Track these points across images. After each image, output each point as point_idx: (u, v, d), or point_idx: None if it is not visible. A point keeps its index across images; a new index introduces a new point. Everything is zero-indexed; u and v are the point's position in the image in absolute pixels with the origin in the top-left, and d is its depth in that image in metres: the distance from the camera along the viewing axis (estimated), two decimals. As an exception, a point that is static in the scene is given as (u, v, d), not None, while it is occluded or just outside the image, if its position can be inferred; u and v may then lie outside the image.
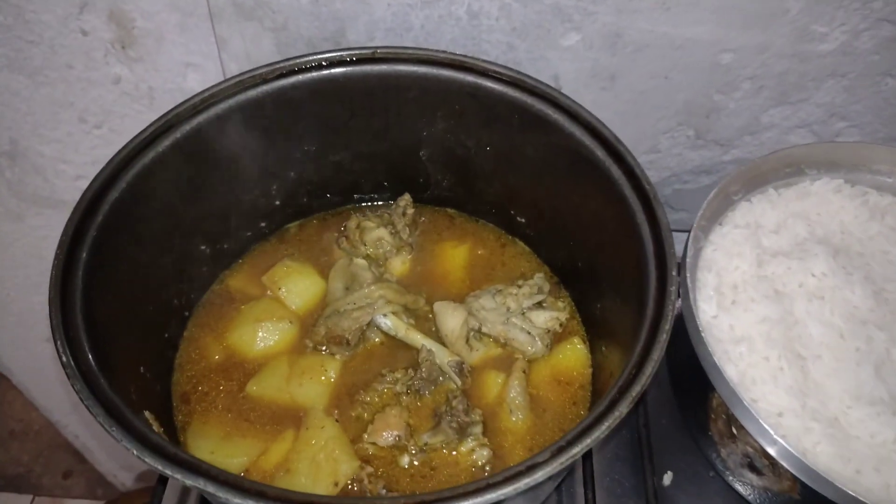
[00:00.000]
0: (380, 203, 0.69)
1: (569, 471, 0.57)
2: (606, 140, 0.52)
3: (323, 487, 0.51)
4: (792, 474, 0.48)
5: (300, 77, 0.56)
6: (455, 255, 0.65)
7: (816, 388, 0.52)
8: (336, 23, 0.73)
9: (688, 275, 0.54)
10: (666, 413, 0.66)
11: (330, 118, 0.59)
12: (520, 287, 0.60)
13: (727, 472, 0.57)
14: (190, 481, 0.36)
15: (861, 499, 0.45)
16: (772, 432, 0.47)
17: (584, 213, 0.56)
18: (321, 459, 0.52)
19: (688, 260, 0.55)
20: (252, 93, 0.55)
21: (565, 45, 0.73)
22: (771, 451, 0.48)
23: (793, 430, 0.50)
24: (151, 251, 0.53)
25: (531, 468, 0.37)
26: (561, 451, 0.38)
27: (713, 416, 0.54)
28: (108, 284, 0.48)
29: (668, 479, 0.63)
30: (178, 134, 0.52)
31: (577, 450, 0.38)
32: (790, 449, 0.47)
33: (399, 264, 0.64)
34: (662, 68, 0.75)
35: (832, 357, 0.53)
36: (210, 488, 0.36)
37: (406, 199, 0.66)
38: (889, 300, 0.56)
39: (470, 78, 0.56)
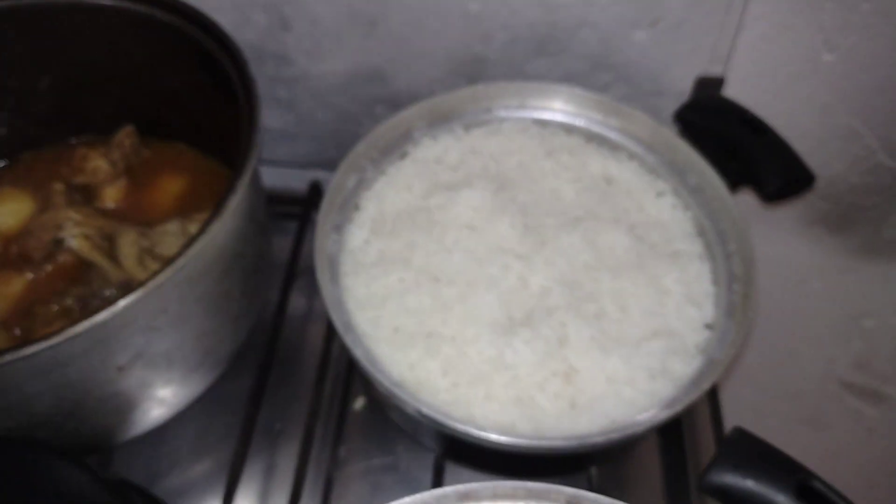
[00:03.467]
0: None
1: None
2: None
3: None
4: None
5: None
6: (170, 187, 0.68)
7: (441, 309, 0.54)
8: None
9: (331, 202, 0.57)
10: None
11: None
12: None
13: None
14: None
15: (425, 409, 0.47)
16: (346, 341, 0.50)
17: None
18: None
19: (344, 190, 0.58)
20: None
21: (318, -15, 0.75)
22: (358, 355, 0.50)
23: (400, 344, 0.52)
24: None
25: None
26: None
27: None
28: None
29: (359, 403, 0.65)
30: None
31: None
32: (357, 355, 0.49)
33: (114, 192, 0.68)
34: (418, 16, 0.77)
35: (465, 282, 0.55)
36: None
37: (126, 131, 0.69)
38: (540, 233, 0.58)
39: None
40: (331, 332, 0.66)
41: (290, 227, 0.75)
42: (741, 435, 0.43)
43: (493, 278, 0.55)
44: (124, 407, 0.50)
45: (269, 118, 0.88)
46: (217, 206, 0.45)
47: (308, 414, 0.61)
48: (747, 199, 0.95)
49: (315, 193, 0.76)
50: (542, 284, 0.55)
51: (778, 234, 1.00)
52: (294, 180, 0.83)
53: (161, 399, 0.53)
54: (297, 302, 0.72)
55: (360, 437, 0.64)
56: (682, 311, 0.54)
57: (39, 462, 0.46)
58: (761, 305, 1.14)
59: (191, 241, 0.44)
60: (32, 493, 0.46)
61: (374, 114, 0.84)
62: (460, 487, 0.42)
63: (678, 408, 0.47)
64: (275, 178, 0.85)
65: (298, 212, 0.75)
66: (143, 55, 0.64)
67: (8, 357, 0.39)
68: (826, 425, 1.43)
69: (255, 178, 0.57)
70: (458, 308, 0.54)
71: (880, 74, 0.79)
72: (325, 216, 0.55)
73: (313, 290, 0.74)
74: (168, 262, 0.43)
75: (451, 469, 0.59)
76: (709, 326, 0.53)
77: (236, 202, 0.46)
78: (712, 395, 0.62)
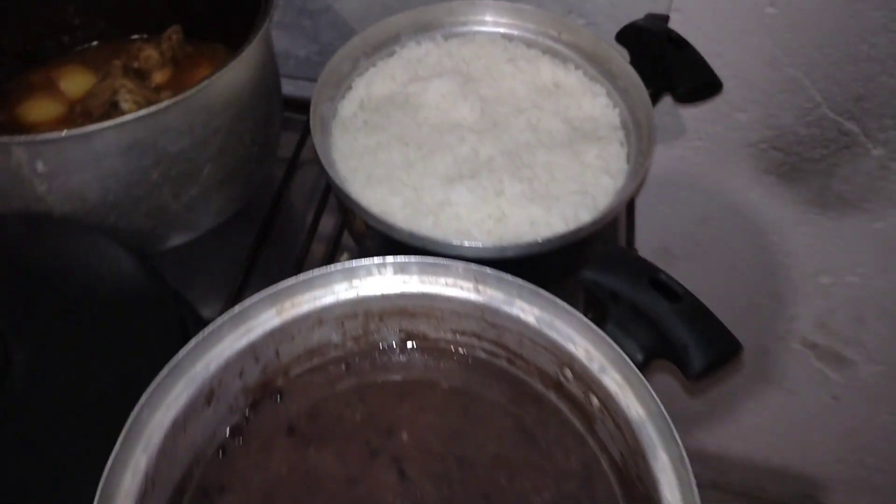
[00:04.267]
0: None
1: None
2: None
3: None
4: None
5: None
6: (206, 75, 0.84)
7: (407, 165, 0.68)
8: None
9: (327, 80, 0.71)
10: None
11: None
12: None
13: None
14: None
15: (378, 216, 0.61)
16: (329, 174, 0.64)
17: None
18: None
19: (339, 73, 0.73)
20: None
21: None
22: (337, 184, 0.64)
23: (378, 191, 0.66)
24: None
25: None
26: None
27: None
28: None
29: (343, 257, 0.80)
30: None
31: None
32: (336, 184, 0.63)
33: (161, 76, 0.84)
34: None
35: (429, 147, 0.69)
36: None
37: (174, 28, 0.85)
38: (493, 117, 0.72)
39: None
40: (323, 201, 0.81)
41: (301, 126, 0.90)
42: (614, 247, 0.56)
43: (451, 146, 0.69)
44: (156, 213, 0.66)
45: (296, 47, 1.04)
46: (235, 53, 0.60)
47: (297, 257, 0.76)
48: (707, 146, 1.07)
49: (323, 96, 0.90)
50: (489, 153, 0.69)
51: (735, 182, 1.11)
52: (309, 91, 0.98)
53: (183, 217, 0.68)
54: (300, 181, 0.87)
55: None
56: (599, 179, 0.67)
57: (89, 241, 0.62)
58: (723, 255, 1.25)
59: (214, 72, 0.59)
60: (84, 268, 0.61)
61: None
62: (397, 259, 0.56)
63: (570, 234, 0.60)
64: (294, 88, 1.01)
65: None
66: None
67: (69, 133, 0.55)
68: (792, 390, 1.50)
69: (269, 45, 0.72)
70: (419, 165, 0.68)
71: (819, 30, 0.90)
72: (321, 87, 0.70)
73: (315, 176, 0.89)
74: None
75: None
76: (617, 192, 0.66)
77: (251, 52, 0.61)
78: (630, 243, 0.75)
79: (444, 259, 0.55)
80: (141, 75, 0.83)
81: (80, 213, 0.62)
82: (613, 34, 0.95)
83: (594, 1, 0.92)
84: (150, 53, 0.83)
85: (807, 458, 1.67)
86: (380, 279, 0.56)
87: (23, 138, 0.55)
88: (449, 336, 0.60)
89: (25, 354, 0.52)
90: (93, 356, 0.53)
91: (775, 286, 1.28)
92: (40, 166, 0.57)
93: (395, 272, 0.56)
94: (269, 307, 0.53)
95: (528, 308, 0.54)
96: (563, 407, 0.56)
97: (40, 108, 0.79)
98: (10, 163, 0.56)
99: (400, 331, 0.60)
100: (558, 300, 0.52)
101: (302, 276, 0.54)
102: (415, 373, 0.60)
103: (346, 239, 0.81)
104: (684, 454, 0.44)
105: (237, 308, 0.52)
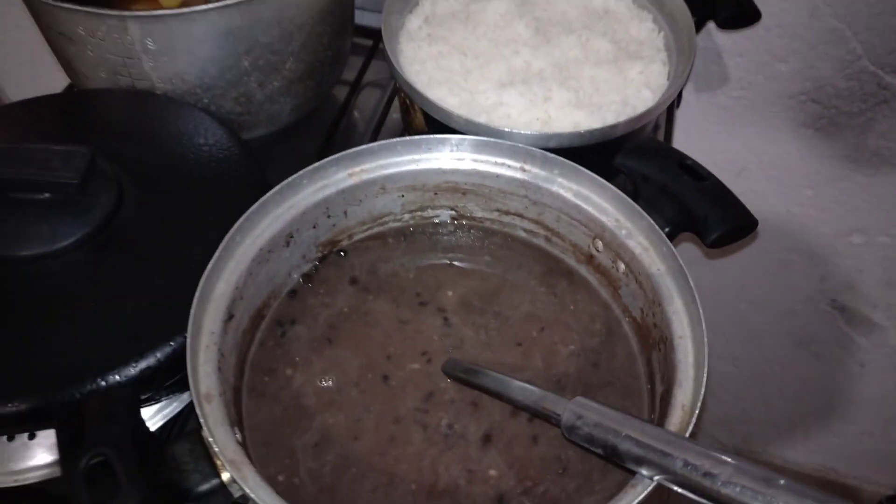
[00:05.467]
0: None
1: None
2: None
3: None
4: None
5: None
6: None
7: (464, 72, 0.76)
8: None
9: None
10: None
11: None
12: None
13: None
14: None
15: (437, 105, 0.69)
16: (393, 63, 0.72)
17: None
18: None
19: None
20: None
21: None
22: (403, 76, 0.72)
23: (438, 92, 0.74)
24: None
25: None
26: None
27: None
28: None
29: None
30: None
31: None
32: (399, 75, 0.71)
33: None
34: None
35: (485, 58, 0.77)
36: None
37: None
38: (546, 35, 0.78)
39: None
40: (381, 121, 0.89)
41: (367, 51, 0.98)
42: (646, 137, 0.63)
43: (506, 57, 0.76)
44: (243, 100, 0.74)
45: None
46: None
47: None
48: (749, 96, 1.12)
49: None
50: (541, 66, 0.76)
51: (773, 134, 1.15)
52: (375, 21, 1.06)
53: (265, 108, 0.77)
54: (362, 102, 0.96)
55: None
56: (640, 92, 0.73)
57: (187, 113, 0.70)
58: (758, 209, 1.28)
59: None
60: (183, 135, 0.69)
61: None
62: (454, 137, 0.63)
63: (608, 128, 0.66)
64: (364, 18, 1.09)
65: (376, 38, 0.98)
66: None
67: (178, 11, 0.63)
68: (819, 354, 1.53)
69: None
70: (476, 72, 0.76)
71: (861, -20, 0.94)
72: (387, 12, 0.78)
73: (376, 99, 0.97)
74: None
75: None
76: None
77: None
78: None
79: (494, 139, 0.63)
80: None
81: (178, 92, 0.71)
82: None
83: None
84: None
85: (830, 427, 1.70)
86: (437, 155, 0.64)
87: (138, 13, 0.64)
88: (494, 216, 0.67)
89: (135, 193, 0.61)
90: (190, 200, 0.62)
91: (807, 243, 1.31)
92: (150, 43, 0.66)
93: (451, 149, 0.64)
94: (343, 169, 0.61)
95: (567, 184, 0.61)
96: (593, 279, 0.64)
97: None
98: (125, 38, 0.65)
99: (451, 208, 0.68)
100: (595, 175, 0.59)
101: (372, 145, 0.62)
102: (463, 247, 0.68)
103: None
104: (696, 297, 0.51)
105: (316, 164, 0.60)
